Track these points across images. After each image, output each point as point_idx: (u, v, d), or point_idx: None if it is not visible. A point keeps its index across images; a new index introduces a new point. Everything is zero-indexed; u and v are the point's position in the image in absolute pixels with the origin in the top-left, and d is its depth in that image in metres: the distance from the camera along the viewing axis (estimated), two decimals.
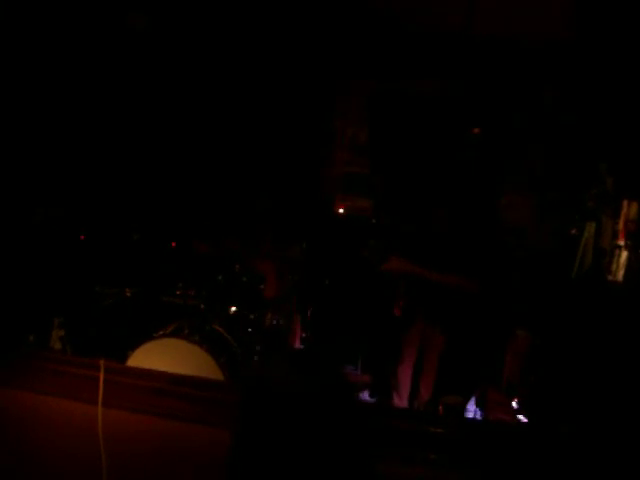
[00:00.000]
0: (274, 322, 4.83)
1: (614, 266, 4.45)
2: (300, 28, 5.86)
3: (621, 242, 4.45)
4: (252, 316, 4.70)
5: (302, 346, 4.96)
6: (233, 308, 4.68)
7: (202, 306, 4.67)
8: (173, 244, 5.40)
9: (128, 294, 4.93)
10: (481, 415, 4.59)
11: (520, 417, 4.56)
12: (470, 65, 5.86)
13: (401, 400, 4.94)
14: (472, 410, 4.62)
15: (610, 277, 4.48)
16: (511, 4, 5.15)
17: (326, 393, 1.35)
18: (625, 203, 4.47)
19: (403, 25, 5.70)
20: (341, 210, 6.14)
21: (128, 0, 5.76)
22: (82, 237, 5.40)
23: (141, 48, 5.94)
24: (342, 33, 5.87)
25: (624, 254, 4.38)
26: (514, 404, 4.65)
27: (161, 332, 4.12)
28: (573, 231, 5.16)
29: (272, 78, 6.32)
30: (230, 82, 6.34)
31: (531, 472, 2.72)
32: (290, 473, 1.27)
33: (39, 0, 5.24)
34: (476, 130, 6.08)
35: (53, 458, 3.06)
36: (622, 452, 2.72)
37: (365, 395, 5.42)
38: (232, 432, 1.33)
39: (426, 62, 6.01)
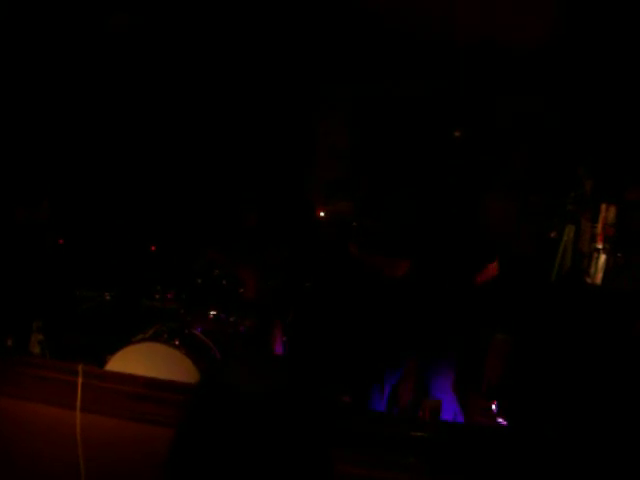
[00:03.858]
0: (254, 326, 4.82)
1: (592, 269, 4.48)
2: (283, 32, 5.86)
3: (600, 245, 4.48)
4: (231, 320, 4.68)
5: (282, 350, 4.94)
6: (212, 312, 4.67)
7: (181, 310, 4.65)
8: (153, 248, 5.37)
9: (107, 298, 4.90)
10: (461, 418, 4.59)
11: (500, 420, 4.58)
12: (454, 68, 5.88)
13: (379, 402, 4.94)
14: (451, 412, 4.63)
15: (589, 280, 4.51)
16: (495, 9, 5.18)
17: (285, 395, 1.34)
18: (604, 207, 4.50)
19: (388, 27, 5.71)
20: (322, 214, 6.13)
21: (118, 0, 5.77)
22: (61, 241, 5.36)
23: (123, 54, 5.93)
24: (325, 34, 5.87)
25: (602, 257, 4.41)
26: (493, 407, 4.67)
27: (140, 336, 4.09)
28: (552, 234, 5.18)
29: (253, 84, 6.31)
30: (211, 88, 6.32)
31: (514, 475, 2.72)
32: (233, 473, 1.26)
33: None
34: (457, 133, 6.10)
35: (31, 463, 3.04)
36: (607, 453, 2.74)
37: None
38: (175, 429, 1.32)
39: (410, 64, 6.02)
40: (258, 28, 5.83)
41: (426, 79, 6.09)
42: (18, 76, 5.40)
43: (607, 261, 4.39)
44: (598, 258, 4.49)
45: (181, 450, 1.30)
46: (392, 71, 6.15)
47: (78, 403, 2.94)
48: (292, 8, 5.64)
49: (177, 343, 3.98)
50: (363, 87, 6.37)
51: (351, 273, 5.15)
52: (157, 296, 4.95)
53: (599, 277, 4.40)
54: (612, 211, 4.42)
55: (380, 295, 4.99)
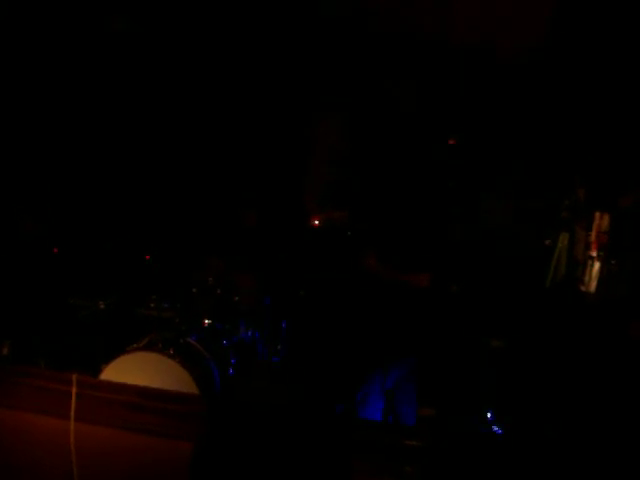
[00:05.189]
0: (249, 334, 4.81)
1: (587, 277, 4.49)
2: (282, 34, 5.87)
3: (594, 253, 4.49)
4: (226, 328, 4.68)
5: (277, 358, 4.93)
6: (207, 321, 4.66)
7: (176, 319, 4.64)
8: (147, 257, 5.36)
9: (102, 306, 4.89)
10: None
11: (495, 428, 4.58)
12: (452, 71, 5.89)
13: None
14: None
15: (583, 288, 4.52)
16: (490, 14, 5.20)
17: (298, 406, 1.36)
18: (597, 215, 4.51)
19: (385, 33, 5.72)
20: (317, 222, 6.12)
21: (116, 3, 5.77)
22: (55, 250, 5.35)
23: (122, 58, 5.94)
24: (324, 36, 5.88)
25: (596, 265, 4.42)
26: (489, 415, 4.67)
27: (135, 345, 4.09)
28: (547, 242, 5.19)
29: (252, 87, 6.31)
30: (211, 93, 6.32)
31: None
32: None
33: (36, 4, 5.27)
34: (452, 141, 6.10)
35: (26, 472, 3.03)
36: (603, 459, 2.75)
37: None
38: (195, 442, 1.34)
39: (408, 67, 6.03)
40: (258, 30, 5.84)
41: (425, 82, 6.10)
42: (20, 85, 5.43)
43: (601, 269, 4.40)
44: (592, 266, 4.49)
45: (201, 465, 1.31)
46: (391, 73, 6.16)
47: (72, 413, 2.94)
48: (292, 8, 5.66)
49: (172, 352, 3.97)
50: (362, 90, 6.38)
51: (364, 283, 5.20)
52: (152, 305, 4.94)
53: (593, 285, 4.41)
54: (606, 219, 4.43)
55: (390, 303, 5.04)
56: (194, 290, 4.76)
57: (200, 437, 1.26)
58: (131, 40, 5.89)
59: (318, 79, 6.33)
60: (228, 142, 6.31)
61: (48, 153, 5.77)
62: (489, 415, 4.72)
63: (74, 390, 2.96)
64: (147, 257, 5.34)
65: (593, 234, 4.51)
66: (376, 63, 6.11)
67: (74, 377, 3.00)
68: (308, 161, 6.60)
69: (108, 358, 3.96)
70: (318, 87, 6.39)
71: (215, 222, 5.70)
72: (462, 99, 6.00)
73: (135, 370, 3.83)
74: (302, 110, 6.52)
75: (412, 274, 5.17)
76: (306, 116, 6.58)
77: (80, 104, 5.96)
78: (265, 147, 6.33)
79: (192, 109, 6.29)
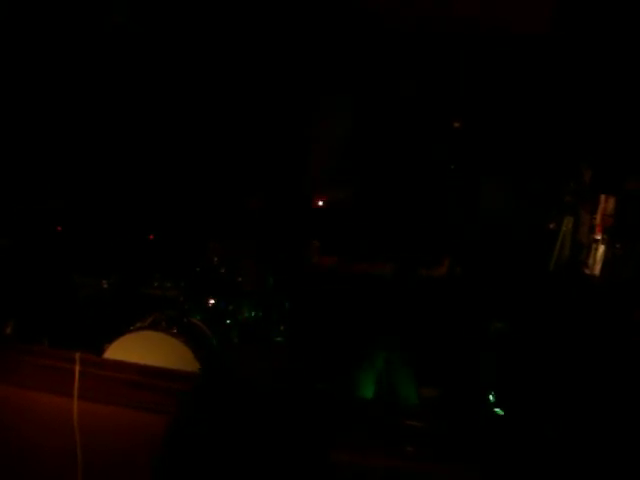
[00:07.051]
0: (252, 314, 4.81)
1: (591, 260, 4.49)
2: (284, 28, 5.86)
3: (598, 236, 4.49)
4: (230, 308, 4.68)
5: (279, 339, 4.94)
6: (211, 300, 4.66)
7: (180, 298, 4.64)
8: (151, 236, 5.37)
9: (105, 285, 4.90)
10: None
11: (497, 410, 4.59)
12: (455, 57, 5.88)
13: None
14: None
15: (587, 271, 4.52)
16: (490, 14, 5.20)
17: (297, 386, 1.35)
18: (603, 198, 4.50)
19: (383, 24, 5.71)
20: (320, 203, 6.13)
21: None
22: (59, 228, 5.36)
23: (129, 54, 5.94)
24: (324, 29, 5.87)
25: (601, 248, 4.41)
26: (491, 397, 4.68)
27: (139, 324, 4.09)
28: (551, 225, 5.19)
29: (255, 79, 6.30)
30: (212, 81, 6.31)
31: (512, 465, 2.73)
32: (230, 461, 1.27)
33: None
34: (457, 124, 6.09)
35: (29, 450, 3.04)
36: (604, 449, 2.74)
37: None
38: (172, 416, 1.33)
39: (406, 59, 6.02)
40: (261, 24, 5.83)
41: (426, 71, 6.08)
42: (18, 79, 5.43)
43: (606, 252, 4.39)
44: (597, 249, 4.49)
45: (178, 435, 1.31)
46: (391, 72, 6.15)
47: (75, 391, 2.95)
48: (294, 5, 5.65)
49: (176, 331, 3.97)
50: (364, 80, 6.37)
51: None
52: (156, 284, 4.94)
53: (597, 268, 4.40)
54: (611, 202, 4.42)
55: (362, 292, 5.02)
56: (198, 269, 4.77)
57: (186, 413, 1.25)
58: (136, 37, 5.89)
59: (320, 74, 6.33)
60: (231, 130, 6.32)
61: (57, 134, 5.78)
62: (491, 397, 4.73)
63: (77, 368, 2.97)
64: (151, 237, 5.35)
65: (598, 217, 4.50)
66: (376, 60, 6.10)
67: (77, 355, 3.01)
68: (311, 146, 6.60)
69: (112, 337, 3.96)
70: (320, 82, 6.39)
71: (219, 205, 5.70)
72: (463, 85, 5.99)
73: (139, 349, 3.83)
74: (304, 102, 6.51)
75: (372, 264, 5.16)
76: (309, 108, 6.58)
77: (89, 90, 5.96)
78: (268, 136, 6.33)
79: (196, 97, 6.29)
